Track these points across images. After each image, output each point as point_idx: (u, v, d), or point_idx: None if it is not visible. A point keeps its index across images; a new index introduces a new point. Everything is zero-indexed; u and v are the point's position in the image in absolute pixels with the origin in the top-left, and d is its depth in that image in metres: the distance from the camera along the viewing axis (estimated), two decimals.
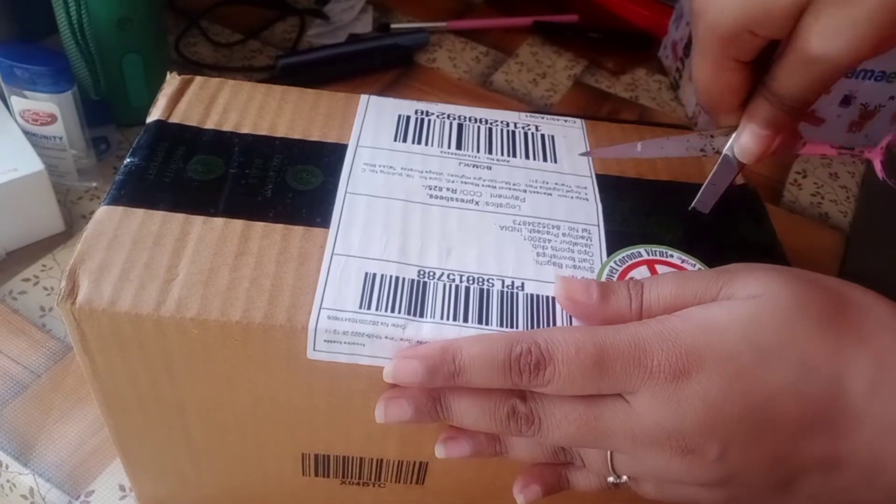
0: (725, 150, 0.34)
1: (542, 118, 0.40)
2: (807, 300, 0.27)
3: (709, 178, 0.35)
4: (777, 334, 0.26)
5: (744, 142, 0.33)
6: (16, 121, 0.51)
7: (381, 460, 0.35)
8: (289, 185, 0.33)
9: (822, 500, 0.28)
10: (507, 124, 0.39)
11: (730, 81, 0.32)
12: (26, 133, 0.51)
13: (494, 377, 0.27)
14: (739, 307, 0.27)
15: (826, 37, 0.28)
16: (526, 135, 0.39)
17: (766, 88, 0.31)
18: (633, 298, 0.29)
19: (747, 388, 0.26)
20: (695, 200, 0.35)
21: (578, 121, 0.40)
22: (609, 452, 0.29)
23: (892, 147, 0.33)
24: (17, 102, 0.50)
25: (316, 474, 0.36)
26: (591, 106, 0.72)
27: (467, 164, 0.36)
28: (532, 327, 0.30)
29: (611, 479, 0.30)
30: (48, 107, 0.50)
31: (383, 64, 0.73)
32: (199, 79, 0.38)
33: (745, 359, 0.26)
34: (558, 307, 0.30)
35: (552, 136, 0.39)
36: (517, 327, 0.29)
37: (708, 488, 0.28)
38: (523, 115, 0.40)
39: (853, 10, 0.27)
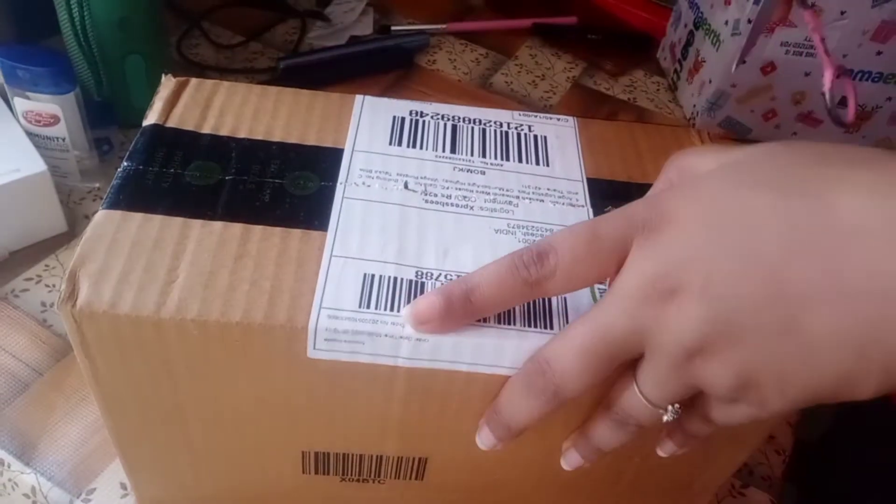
0: None
1: (535, 117, 0.40)
2: (795, 145, 0.27)
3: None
4: (760, 167, 0.27)
5: None
6: (18, 122, 0.52)
7: (381, 457, 0.35)
8: (287, 191, 0.34)
9: (845, 340, 0.24)
10: (501, 124, 0.39)
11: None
12: (29, 134, 0.51)
13: (504, 282, 0.28)
14: (722, 168, 0.28)
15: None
16: (519, 136, 0.39)
17: None
18: None
19: (724, 213, 0.26)
20: None
21: (571, 119, 0.41)
22: (636, 385, 0.29)
23: None
24: (19, 103, 0.51)
25: (316, 472, 0.36)
26: (590, 107, 0.73)
27: (461, 169, 0.36)
28: (529, 324, 0.30)
29: (666, 416, 0.29)
30: (51, 108, 0.51)
31: (384, 66, 0.73)
32: (194, 81, 0.39)
33: (723, 188, 0.27)
34: (554, 304, 0.31)
35: (544, 137, 0.39)
36: (514, 324, 0.30)
37: (715, 352, 0.26)
38: (516, 114, 0.40)
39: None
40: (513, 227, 0.34)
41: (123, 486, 0.41)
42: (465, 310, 0.29)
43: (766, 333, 0.25)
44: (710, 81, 0.68)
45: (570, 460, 0.34)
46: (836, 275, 0.24)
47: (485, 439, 0.32)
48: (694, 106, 0.71)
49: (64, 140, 0.52)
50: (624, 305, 0.27)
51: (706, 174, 0.28)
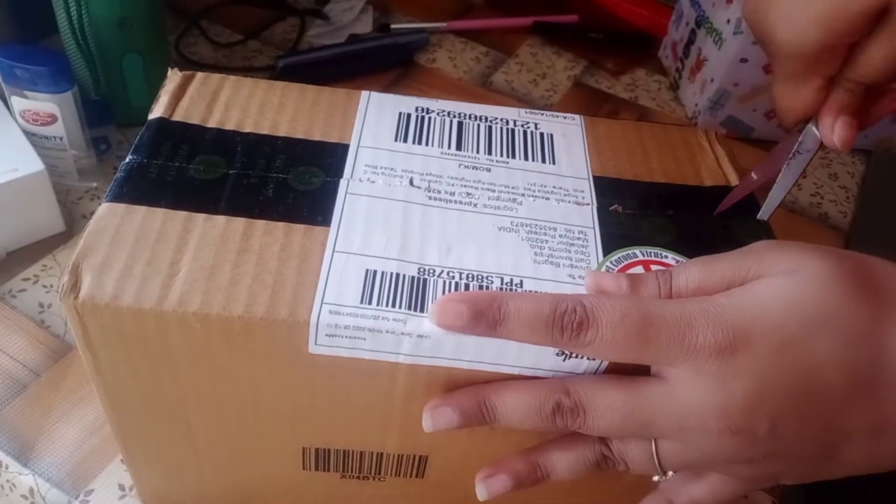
0: (803, 146, 0.37)
1: (542, 115, 0.40)
2: (839, 272, 0.27)
3: (777, 184, 0.36)
4: (819, 306, 0.27)
5: (844, 134, 0.35)
6: (16, 121, 0.51)
7: (381, 454, 0.35)
8: (290, 186, 0.33)
9: (870, 462, 0.28)
10: (507, 122, 0.39)
11: (818, 97, 0.35)
12: (27, 133, 0.51)
13: (536, 331, 0.28)
14: (779, 282, 0.27)
15: None
16: (525, 133, 0.39)
17: (849, 81, 0.35)
18: (662, 286, 0.29)
19: (794, 359, 0.26)
20: (760, 212, 0.36)
21: (577, 117, 0.40)
22: (654, 448, 0.30)
23: None
24: (17, 102, 0.50)
25: (316, 468, 0.36)
26: (591, 106, 0.72)
27: (467, 167, 0.36)
28: None
29: (656, 477, 0.30)
30: (48, 107, 0.50)
31: (383, 64, 0.73)
32: (200, 75, 0.38)
33: (791, 330, 0.26)
34: None
35: (551, 135, 0.39)
36: None
37: (755, 464, 0.28)
38: (523, 111, 0.40)
39: None
40: (516, 225, 0.33)
41: (122, 488, 0.40)
42: (485, 331, 0.28)
43: (807, 457, 0.28)
44: (712, 80, 0.67)
45: (495, 485, 0.32)
46: (879, 414, 0.27)
47: (442, 421, 0.30)
48: (696, 105, 0.70)
49: (61, 139, 0.52)
50: (678, 420, 0.28)
51: (767, 295, 0.27)
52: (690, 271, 0.29)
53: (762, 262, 0.28)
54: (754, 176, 0.36)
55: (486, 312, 0.28)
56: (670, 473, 0.30)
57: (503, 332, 0.28)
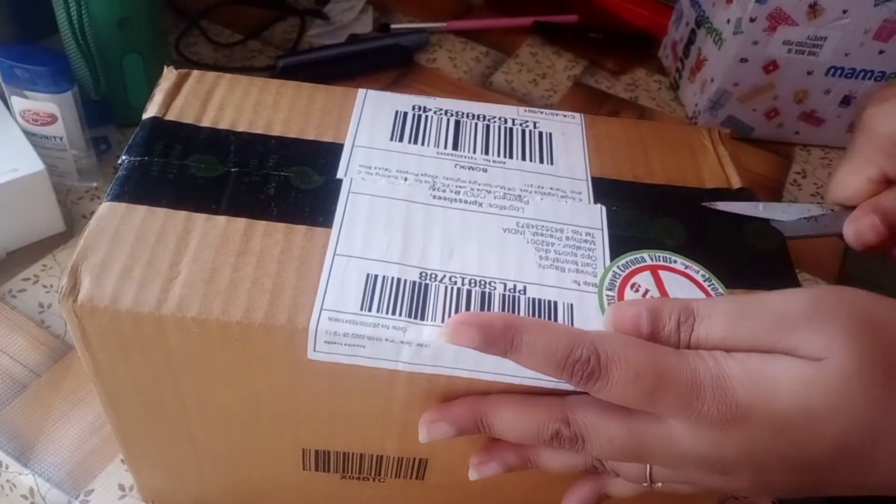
0: (822, 219, 0.36)
1: (541, 113, 0.40)
2: (868, 362, 0.26)
3: (810, 220, 0.36)
4: (832, 406, 0.26)
5: (863, 231, 0.35)
6: (16, 121, 0.51)
7: (381, 456, 0.35)
8: (292, 184, 0.33)
9: (855, 492, 0.29)
10: (505, 121, 0.39)
11: (868, 188, 0.35)
12: (27, 133, 0.51)
13: (546, 367, 0.28)
14: (799, 370, 0.26)
15: None
16: (523, 132, 0.38)
17: None
18: (682, 334, 0.29)
19: (790, 442, 0.27)
20: (783, 224, 0.36)
21: (578, 115, 0.40)
22: (648, 468, 0.30)
23: None
24: (17, 102, 0.50)
25: (316, 469, 0.36)
26: (591, 106, 0.72)
27: (463, 167, 0.36)
28: None
29: (645, 484, 0.31)
30: (48, 107, 0.50)
31: (383, 64, 0.73)
32: (195, 73, 0.38)
33: (793, 420, 0.26)
34: (560, 312, 0.30)
35: (549, 134, 0.38)
36: None
37: (742, 492, 0.31)
38: (522, 110, 0.40)
39: None
40: (522, 227, 0.33)
41: (122, 488, 0.40)
42: (497, 355, 0.28)
43: (793, 493, 0.29)
44: (712, 80, 0.67)
45: (486, 471, 0.32)
46: (868, 474, 0.27)
47: (438, 434, 0.31)
48: (696, 105, 0.70)
49: (61, 139, 0.52)
50: (671, 458, 0.28)
51: (781, 381, 0.27)
52: (715, 322, 0.28)
53: (795, 337, 0.27)
54: (761, 208, 0.36)
55: (497, 341, 0.28)
56: (659, 485, 0.31)
57: (513, 359, 0.28)
